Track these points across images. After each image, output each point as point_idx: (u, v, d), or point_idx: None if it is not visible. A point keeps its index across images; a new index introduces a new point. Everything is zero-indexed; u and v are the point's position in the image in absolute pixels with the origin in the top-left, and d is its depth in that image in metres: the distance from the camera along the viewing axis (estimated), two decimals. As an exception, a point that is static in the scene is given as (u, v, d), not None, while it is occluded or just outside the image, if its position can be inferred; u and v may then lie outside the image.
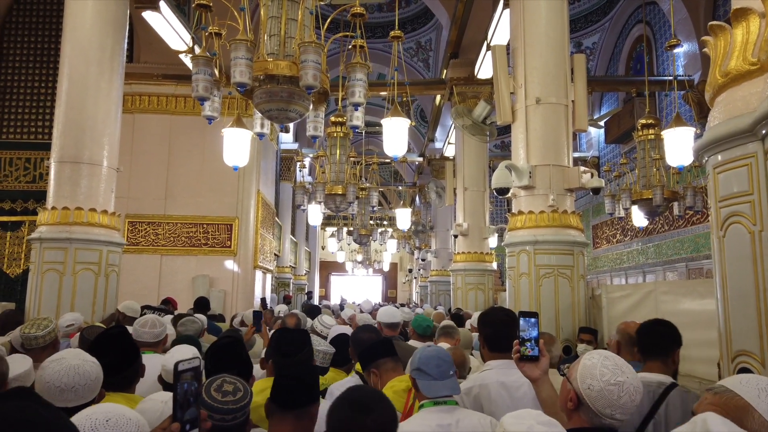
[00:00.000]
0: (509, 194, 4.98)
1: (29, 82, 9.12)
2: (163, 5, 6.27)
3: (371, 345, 2.64)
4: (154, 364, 2.62)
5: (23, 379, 2.17)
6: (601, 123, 10.97)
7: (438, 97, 10.77)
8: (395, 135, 4.97)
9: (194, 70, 3.22)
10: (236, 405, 1.66)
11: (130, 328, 3.37)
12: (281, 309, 6.80)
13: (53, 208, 4.92)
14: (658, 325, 2.44)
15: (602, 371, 1.53)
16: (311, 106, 3.54)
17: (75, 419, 1.17)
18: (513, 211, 5.07)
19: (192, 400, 1.20)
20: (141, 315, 5.18)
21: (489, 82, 8.54)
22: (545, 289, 4.62)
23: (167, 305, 6.48)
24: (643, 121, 7.02)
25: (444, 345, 3.54)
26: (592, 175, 4.88)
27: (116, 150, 5.33)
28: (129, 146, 8.79)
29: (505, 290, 9.18)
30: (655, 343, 2.37)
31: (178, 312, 5.79)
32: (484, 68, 8.04)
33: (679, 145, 6.05)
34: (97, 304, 4.94)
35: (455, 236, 9.04)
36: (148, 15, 6.45)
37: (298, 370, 1.90)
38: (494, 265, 9.01)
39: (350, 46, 3.60)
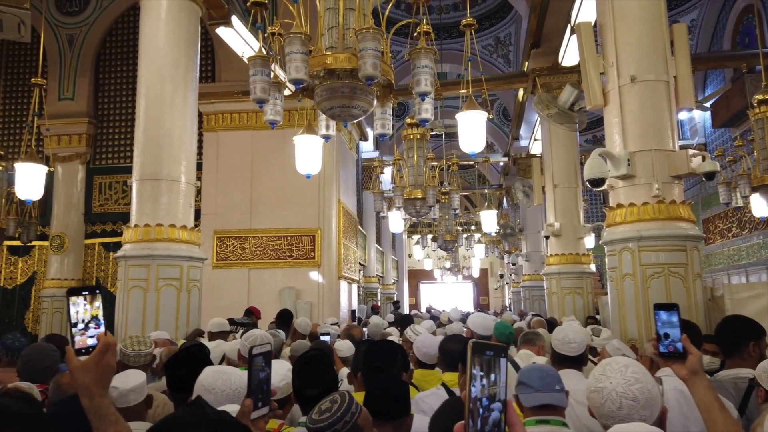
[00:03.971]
0: (605, 186, 4.45)
1: (122, 110, 9.65)
2: (234, 20, 6.32)
3: (460, 356, 2.54)
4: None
5: (138, 392, 2.18)
6: (707, 105, 9.89)
7: (520, 92, 10.22)
8: (472, 129, 4.59)
9: (251, 71, 3.06)
10: (338, 413, 1.65)
11: (237, 344, 3.35)
12: (374, 321, 6.55)
13: (135, 225, 5.01)
14: (730, 323, 2.59)
15: (591, 378, 1.51)
16: (375, 101, 3.27)
17: None
18: (611, 204, 4.53)
19: (264, 383, 1.35)
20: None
21: (575, 70, 7.92)
22: (654, 292, 4.04)
23: (250, 316, 6.45)
24: (760, 97, 6.17)
25: (526, 353, 3.33)
26: (703, 158, 4.23)
27: (193, 165, 5.37)
28: (214, 164, 9.04)
29: (606, 294, 8.46)
30: (726, 339, 2.49)
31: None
32: (569, 54, 7.44)
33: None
34: (180, 319, 4.96)
35: (547, 237, 8.44)
36: (222, 31, 6.53)
37: (391, 381, 1.97)
38: (592, 267, 8.31)
39: (415, 33, 3.30)
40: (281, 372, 2.21)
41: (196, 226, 5.57)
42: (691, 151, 4.23)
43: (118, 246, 9.38)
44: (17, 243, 8.24)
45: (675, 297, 3.99)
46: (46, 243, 9.18)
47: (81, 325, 1.22)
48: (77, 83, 9.43)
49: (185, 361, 2.31)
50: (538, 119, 9.75)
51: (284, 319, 6.08)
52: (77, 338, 1.22)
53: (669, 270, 4.06)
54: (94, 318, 1.24)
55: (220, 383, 1.89)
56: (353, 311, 9.10)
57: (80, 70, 9.43)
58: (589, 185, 4.43)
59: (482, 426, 0.85)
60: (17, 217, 7.40)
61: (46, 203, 8.98)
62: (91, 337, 1.23)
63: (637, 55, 4.44)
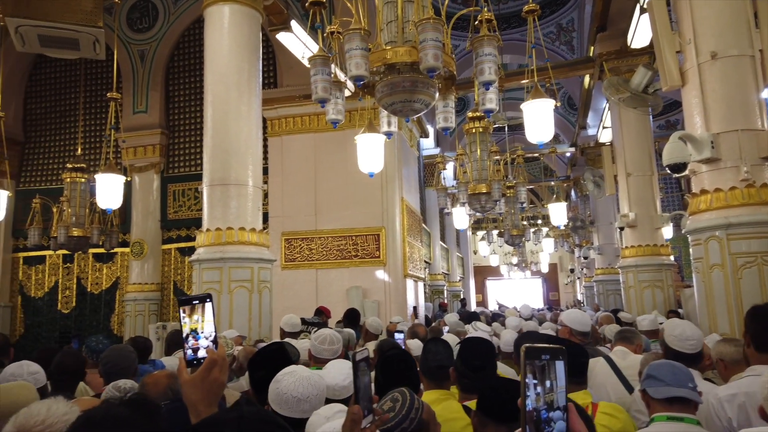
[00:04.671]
0: (686, 171, 4.16)
1: (192, 119, 10.02)
2: (294, 24, 6.40)
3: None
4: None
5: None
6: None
7: (587, 79, 9.81)
8: (539, 119, 4.41)
9: (312, 71, 3.06)
10: (403, 411, 1.63)
11: (306, 343, 3.40)
12: (452, 319, 6.42)
13: (207, 230, 5.16)
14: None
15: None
16: (437, 95, 3.19)
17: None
18: (693, 190, 4.23)
19: (367, 388, 1.29)
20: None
21: (646, 51, 7.53)
22: (747, 283, 3.73)
23: (320, 315, 6.52)
24: None
25: (622, 350, 3.19)
26: (798, 137, 3.88)
27: (259, 169, 5.48)
28: (279, 167, 9.23)
29: (687, 286, 7.98)
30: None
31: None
32: (639, 35, 7.06)
33: None
34: (253, 320, 5.07)
35: (621, 229, 8.06)
36: (282, 36, 6.64)
37: (501, 382, 1.89)
38: (671, 259, 7.87)
39: (476, 22, 3.20)
40: (344, 371, 2.19)
41: (264, 228, 5.68)
42: (783, 130, 3.89)
43: (192, 250, 9.76)
44: (101, 250, 8.73)
45: (771, 288, 3.68)
46: (127, 249, 9.68)
47: (190, 338, 1.19)
48: (150, 96, 9.89)
49: (264, 362, 2.33)
50: (607, 106, 9.34)
51: (351, 318, 6.11)
52: (186, 350, 1.20)
53: (762, 259, 3.74)
54: (193, 332, 1.20)
55: (311, 389, 1.89)
56: (414, 308, 9.01)
57: (152, 84, 9.88)
58: (668, 171, 4.16)
59: None
60: (100, 226, 7.83)
61: (125, 212, 9.47)
62: (199, 349, 1.19)
63: (717, 30, 4.13)
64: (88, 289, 10.10)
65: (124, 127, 9.65)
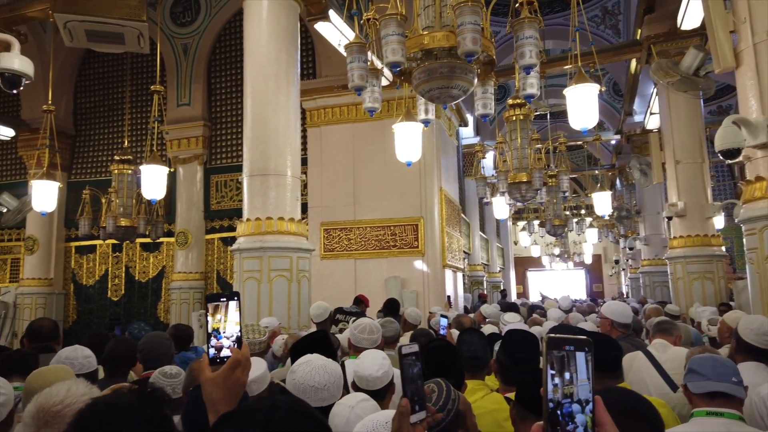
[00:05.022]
0: (740, 157, 3.96)
1: (233, 111, 10.18)
2: (332, 13, 6.39)
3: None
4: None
5: (260, 382, 2.21)
6: None
7: (633, 63, 9.46)
8: (583, 104, 4.27)
9: (348, 59, 3.04)
10: (440, 402, 1.61)
11: (347, 333, 3.41)
12: (489, 310, 6.32)
13: (248, 219, 5.23)
14: None
15: None
16: (476, 80, 3.12)
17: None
18: (748, 177, 4.02)
19: (419, 382, 1.26)
20: (332, 317, 5.29)
21: (697, 33, 7.20)
22: (806, 275, 3.54)
23: (359, 305, 6.53)
24: None
25: (661, 343, 3.05)
26: None
27: (298, 159, 5.51)
28: (318, 158, 9.28)
29: (740, 278, 7.64)
30: None
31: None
32: (689, 16, 6.74)
33: None
34: (292, 309, 5.12)
35: (669, 218, 7.77)
36: (320, 26, 6.63)
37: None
38: (723, 249, 7.55)
39: (517, 4, 3.11)
40: (377, 361, 2.17)
41: (303, 219, 5.72)
42: None
43: (234, 240, 9.99)
44: (148, 240, 9.00)
45: (833, 280, 3.47)
46: (172, 239, 9.95)
47: (213, 337, 1.19)
48: (192, 89, 10.08)
49: (307, 349, 2.32)
50: (655, 91, 9.00)
51: (391, 308, 6.10)
52: (209, 348, 1.19)
53: (824, 250, 3.53)
54: (215, 330, 1.19)
55: (327, 377, 1.88)
56: (449, 297, 8.91)
57: (195, 77, 10.07)
58: (721, 157, 3.96)
59: (565, 429, 0.76)
60: (146, 216, 8.07)
61: (170, 202, 9.72)
62: (223, 348, 1.19)
63: (775, 7, 3.89)
64: (136, 278, 10.43)
65: (169, 119, 9.89)
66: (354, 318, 5.30)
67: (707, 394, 1.69)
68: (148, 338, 2.89)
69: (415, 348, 1.29)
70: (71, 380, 1.33)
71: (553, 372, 0.77)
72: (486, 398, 2.26)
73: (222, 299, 1.19)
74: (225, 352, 1.19)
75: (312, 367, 1.88)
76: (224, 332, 1.19)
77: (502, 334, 3.37)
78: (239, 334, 1.21)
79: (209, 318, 1.19)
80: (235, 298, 1.20)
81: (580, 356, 0.77)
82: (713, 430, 1.58)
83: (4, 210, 8.85)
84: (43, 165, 7.36)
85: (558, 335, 0.78)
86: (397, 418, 1.23)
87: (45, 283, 10.42)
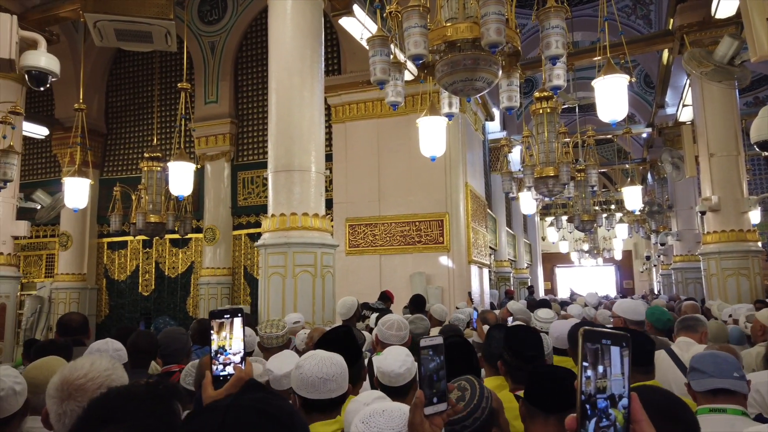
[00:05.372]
0: (778, 149, 3.82)
1: (259, 108, 10.26)
2: (356, 8, 6.37)
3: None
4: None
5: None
6: None
7: (665, 54, 9.22)
8: (612, 96, 4.17)
9: (370, 53, 3.02)
10: (474, 401, 1.59)
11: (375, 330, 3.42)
12: (516, 307, 6.14)
13: (272, 215, 5.26)
14: None
15: None
16: (500, 72, 3.06)
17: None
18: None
19: (437, 376, 1.23)
20: (358, 313, 5.29)
21: (732, 21, 6.97)
22: None
23: (386, 301, 6.52)
24: None
25: (686, 341, 3.02)
26: None
27: (322, 155, 5.52)
28: (343, 154, 9.29)
29: (778, 275, 7.39)
30: None
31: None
32: (724, 4, 6.52)
33: None
34: (316, 304, 5.13)
35: (702, 213, 7.57)
36: (345, 21, 6.62)
37: (553, 371, 1.84)
38: (759, 245, 7.31)
39: (542, -6, 3.04)
40: (400, 357, 2.15)
41: (328, 215, 5.73)
42: None
43: (260, 236, 10.10)
44: (176, 236, 9.15)
45: None
46: (200, 235, 10.10)
47: (219, 354, 1.17)
48: (219, 87, 10.20)
49: (331, 344, 2.33)
50: (688, 82, 8.75)
51: (417, 304, 6.07)
52: (215, 365, 1.18)
53: None
54: (221, 348, 1.18)
55: (334, 368, 1.90)
56: (469, 293, 8.83)
57: (222, 75, 10.18)
58: (757, 150, 3.83)
59: (596, 424, 0.75)
60: (175, 213, 8.19)
61: (198, 199, 9.86)
62: (228, 365, 1.18)
63: (816, -9, 3.73)
64: (166, 273, 10.63)
65: (197, 117, 10.03)
66: (377, 314, 5.30)
67: (710, 391, 1.67)
68: (166, 334, 2.94)
69: (436, 341, 1.26)
70: (95, 355, 1.37)
71: (586, 364, 0.76)
72: (501, 395, 2.25)
73: (226, 316, 1.17)
74: (229, 369, 1.18)
75: (318, 359, 1.90)
76: (230, 349, 1.18)
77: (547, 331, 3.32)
78: (244, 351, 1.19)
79: (214, 335, 1.17)
80: (239, 315, 1.19)
81: (615, 351, 0.76)
82: (716, 429, 1.54)
83: (38, 207, 9.10)
84: (75, 162, 7.54)
85: (598, 329, 0.77)
86: (412, 409, 1.22)
87: (78, 278, 10.69)
